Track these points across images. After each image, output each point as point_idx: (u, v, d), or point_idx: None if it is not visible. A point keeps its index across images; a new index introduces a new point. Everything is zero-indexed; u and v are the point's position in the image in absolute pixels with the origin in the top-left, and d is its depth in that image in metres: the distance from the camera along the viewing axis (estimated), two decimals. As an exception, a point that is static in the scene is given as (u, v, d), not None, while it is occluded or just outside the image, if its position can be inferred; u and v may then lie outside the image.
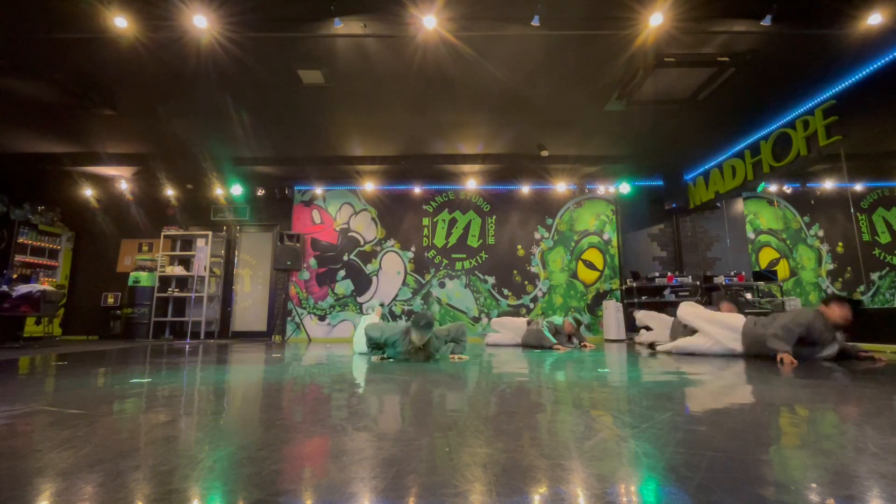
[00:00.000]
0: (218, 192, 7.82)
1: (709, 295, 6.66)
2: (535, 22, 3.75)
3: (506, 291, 7.75)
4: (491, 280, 7.76)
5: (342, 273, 7.78)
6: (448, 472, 0.94)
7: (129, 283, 7.37)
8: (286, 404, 1.85)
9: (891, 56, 4.14)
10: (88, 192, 7.90)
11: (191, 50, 4.18)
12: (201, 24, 3.79)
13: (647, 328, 5.21)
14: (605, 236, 7.95)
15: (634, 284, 7.07)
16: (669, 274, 7.07)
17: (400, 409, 1.76)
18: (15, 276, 6.51)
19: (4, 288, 5.57)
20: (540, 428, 1.35)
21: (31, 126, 5.82)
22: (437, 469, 0.97)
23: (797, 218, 8.17)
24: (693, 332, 4.09)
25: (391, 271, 7.81)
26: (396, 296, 7.72)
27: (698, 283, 6.87)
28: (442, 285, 7.75)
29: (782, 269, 7.86)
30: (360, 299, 7.68)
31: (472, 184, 7.84)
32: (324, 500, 0.82)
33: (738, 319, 3.75)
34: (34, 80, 4.72)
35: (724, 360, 3.38)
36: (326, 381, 2.46)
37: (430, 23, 3.82)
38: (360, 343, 4.08)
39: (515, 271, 7.82)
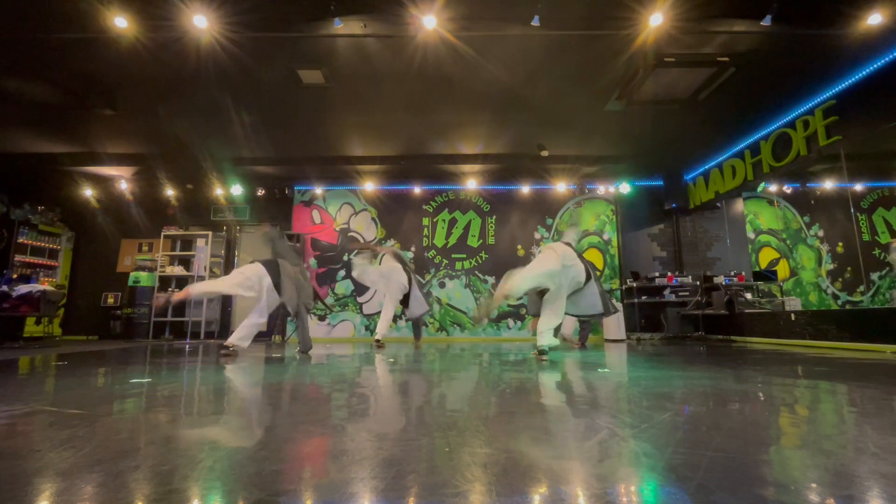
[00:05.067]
0: (218, 192, 7.82)
1: (709, 295, 6.66)
2: (535, 22, 3.76)
3: (506, 291, 7.76)
4: (491, 280, 7.76)
5: (342, 273, 7.78)
6: (448, 472, 0.94)
7: (129, 283, 7.37)
8: (286, 404, 1.85)
9: (891, 56, 4.14)
10: (88, 192, 7.90)
11: (191, 50, 4.18)
12: (201, 24, 3.79)
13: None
14: (605, 236, 7.95)
15: (634, 284, 7.08)
16: (669, 274, 7.08)
17: (399, 407, 1.76)
18: (15, 276, 6.51)
19: (4, 288, 5.57)
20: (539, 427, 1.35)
21: (31, 126, 5.82)
22: (436, 469, 0.97)
23: (797, 218, 8.17)
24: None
25: (391, 271, 7.79)
26: (396, 296, 7.71)
27: (698, 283, 6.87)
28: (442, 285, 7.75)
29: (782, 269, 7.86)
30: (360, 299, 7.69)
31: (472, 184, 7.84)
32: (324, 500, 0.82)
33: None
34: (34, 80, 4.72)
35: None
36: (326, 381, 2.46)
37: (430, 23, 3.83)
38: None
39: (515, 271, 7.81)
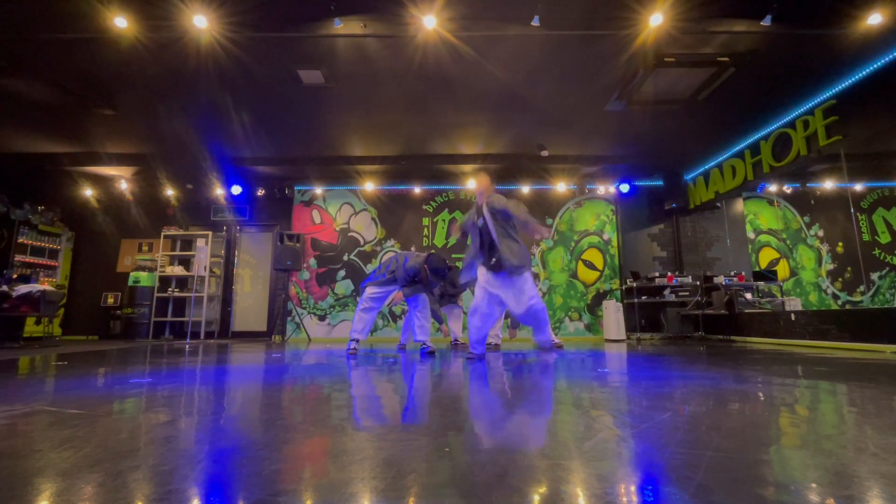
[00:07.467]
0: (218, 192, 7.82)
1: (709, 295, 6.66)
2: (535, 22, 3.75)
3: (506, 291, 7.75)
4: (491, 280, 7.75)
5: (342, 273, 7.78)
6: (448, 472, 0.94)
7: (129, 283, 7.36)
8: (286, 404, 1.85)
9: (891, 56, 4.14)
10: (88, 192, 7.90)
11: (191, 50, 4.18)
12: (201, 24, 3.79)
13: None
14: (605, 236, 7.95)
15: (634, 284, 7.07)
16: (669, 274, 7.08)
17: (399, 408, 1.76)
18: (15, 276, 6.50)
19: (4, 288, 5.57)
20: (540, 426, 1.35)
21: (31, 126, 5.82)
22: (437, 469, 0.97)
23: (797, 218, 8.17)
24: None
25: (391, 271, 7.80)
26: (396, 296, 7.71)
27: (698, 283, 6.87)
28: (442, 285, 7.74)
29: (782, 269, 7.85)
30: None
31: (472, 184, 7.83)
32: (324, 500, 0.82)
33: None
34: (34, 80, 4.72)
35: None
36: (326, 381, 2.46)
37: (430, 23, 3.83)
38: None
39: (515, 271, 7.81)
